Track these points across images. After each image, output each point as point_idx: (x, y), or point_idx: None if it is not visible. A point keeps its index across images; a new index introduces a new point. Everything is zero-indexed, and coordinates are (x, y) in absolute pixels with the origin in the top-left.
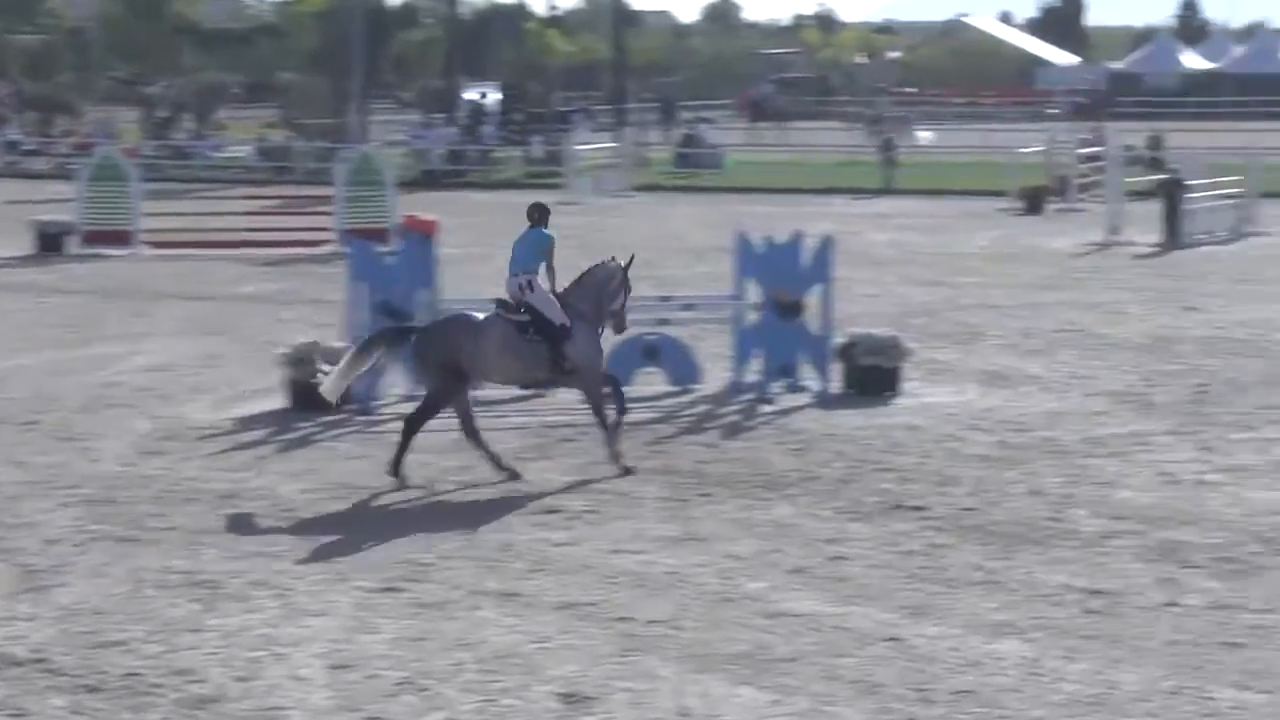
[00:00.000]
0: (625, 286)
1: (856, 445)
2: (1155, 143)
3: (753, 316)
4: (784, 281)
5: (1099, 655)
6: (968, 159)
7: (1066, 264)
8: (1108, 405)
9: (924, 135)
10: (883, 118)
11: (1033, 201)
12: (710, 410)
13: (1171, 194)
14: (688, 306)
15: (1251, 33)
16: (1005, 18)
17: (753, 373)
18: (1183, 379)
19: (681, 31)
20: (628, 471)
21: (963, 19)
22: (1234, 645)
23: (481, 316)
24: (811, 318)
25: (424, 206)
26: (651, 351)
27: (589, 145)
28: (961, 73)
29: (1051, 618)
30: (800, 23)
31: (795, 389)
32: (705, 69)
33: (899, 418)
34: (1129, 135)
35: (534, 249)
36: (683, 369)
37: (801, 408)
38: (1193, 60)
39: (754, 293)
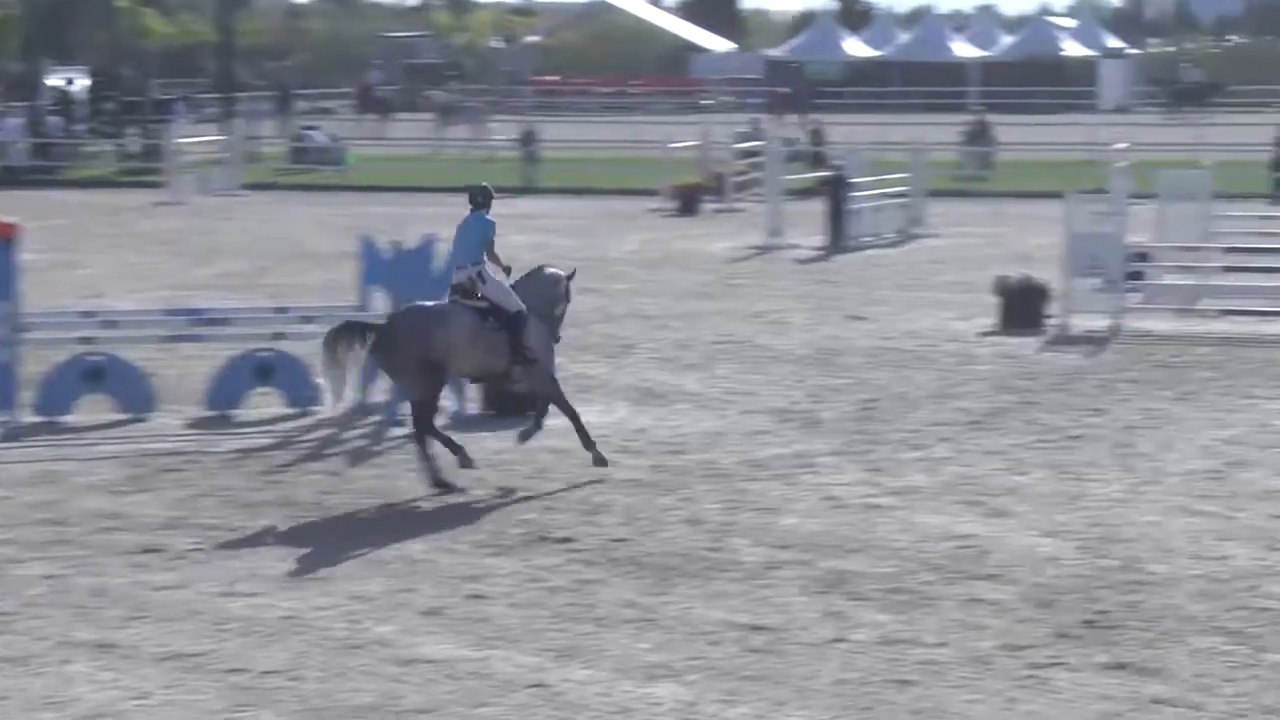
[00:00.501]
0: (568, 294)
1: (497, 471)
2: (817, 136)
3: None
4: (414, 291)
5: (762, 697)
6: (616, 155)
7: (724, 269)
8: (770, 424)
9: (493, 129)
10: (456, 108)
11: (687, 201)
12: (333, 435)
13: (835, 193)
14: (306, 319)
15: (917, 18)
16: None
17: (380, 393)
18: (849, 394)
19: (297, 11)
20: (603, 461)
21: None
22: (904, 683)
23: (439, 304)
24: None
25: (1, 207)
26: (265, 370)
27: (192, 138)
28: (607, 59)
29: (710, 657)
30: (429, 2)
31: None
32: (323, 53)
33: (543, 440)
34: (790, 128)
35: (476, 239)
36: (301, 389)
37: None
38: (856, 47)
39: (381, 303)
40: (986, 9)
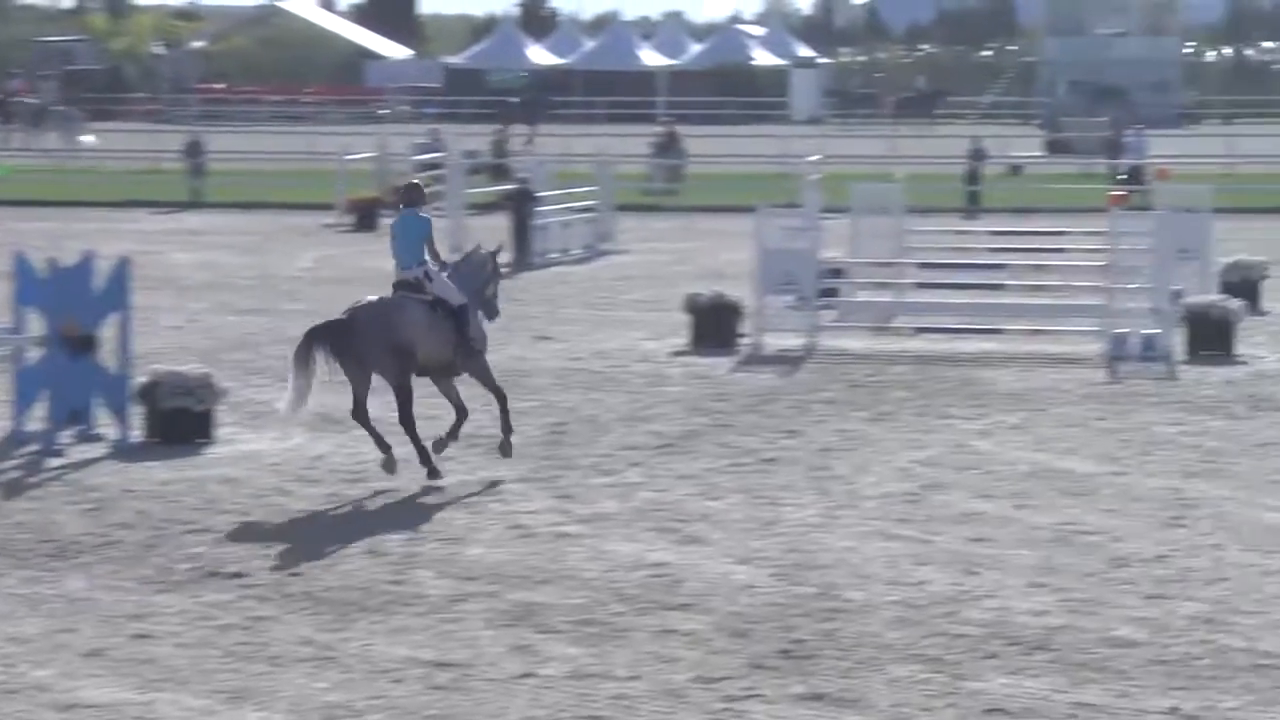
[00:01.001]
0: (497, 273)
1: (163, 503)
2: (500, 148)
3: (35, 353)
4: (72, 312)
5: None
6: (288, 167)
7: None
8: (454, 449)
9: (88, 139)
10: (43, 114)
11: (364, 215)
12: None
13: (520, 207)
14: None
15: (603, 25)
16: (327, 4)
17: (36, 420)
18: (537, 418)
19: None
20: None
21: (276, 3)
22: (595, 718)
23: (389, 297)
24: (107, 354)
25: None
26: None
27: None
28: (278, 66)
29: (392, 697)
30: (84, 5)
31: (89, 438)
32: None
33: (213, 469)
34: (471, 139)
35: (417, 238)
36: None
37: (97, 460)
38: (540, 55)
39: (37, 325)
40: (675, 16)
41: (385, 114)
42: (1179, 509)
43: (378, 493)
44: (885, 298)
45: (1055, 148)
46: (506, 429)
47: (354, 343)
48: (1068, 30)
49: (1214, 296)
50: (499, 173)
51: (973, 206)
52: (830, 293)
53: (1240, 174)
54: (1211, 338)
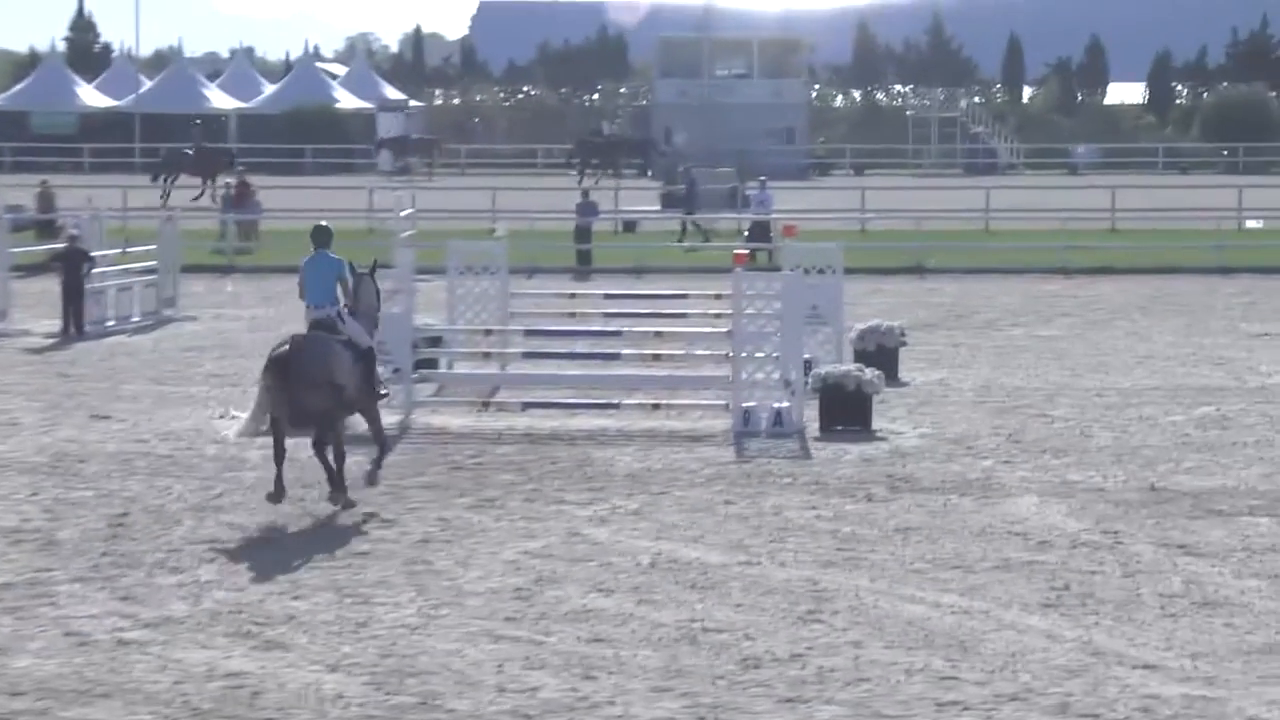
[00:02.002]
0: (379, 292)
1: None
2: (47, 201)
3: None
4: None
5: None
6: None
7: None
8: (2, 545)
9: None
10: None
11: None
12: None
13: (71, 268)
14: None
15: (163, 62)
16: None
17: None
18: (94, 508)
19: None
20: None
21: None
22: None
23: (317, 334)
24: None
25: None
26: None
27: None
28: None
29: None
30: None
31: None
32: None
33: None
34: (16, 191)
35: (330, 279)
36: None
37: None
38: (93, 95)
39: None
40: (245, 53)
41: None
42: (814, 602)
43: None
44: (488, 369)
45: (672, 201)
46: (379, 463)
47: (297, 375)
48: (682, 71)
49: (848, 366)
50: (46, 229)
51: (584, 266)
52: (427, 364)
53: (873, 230)
54: (846, 411)
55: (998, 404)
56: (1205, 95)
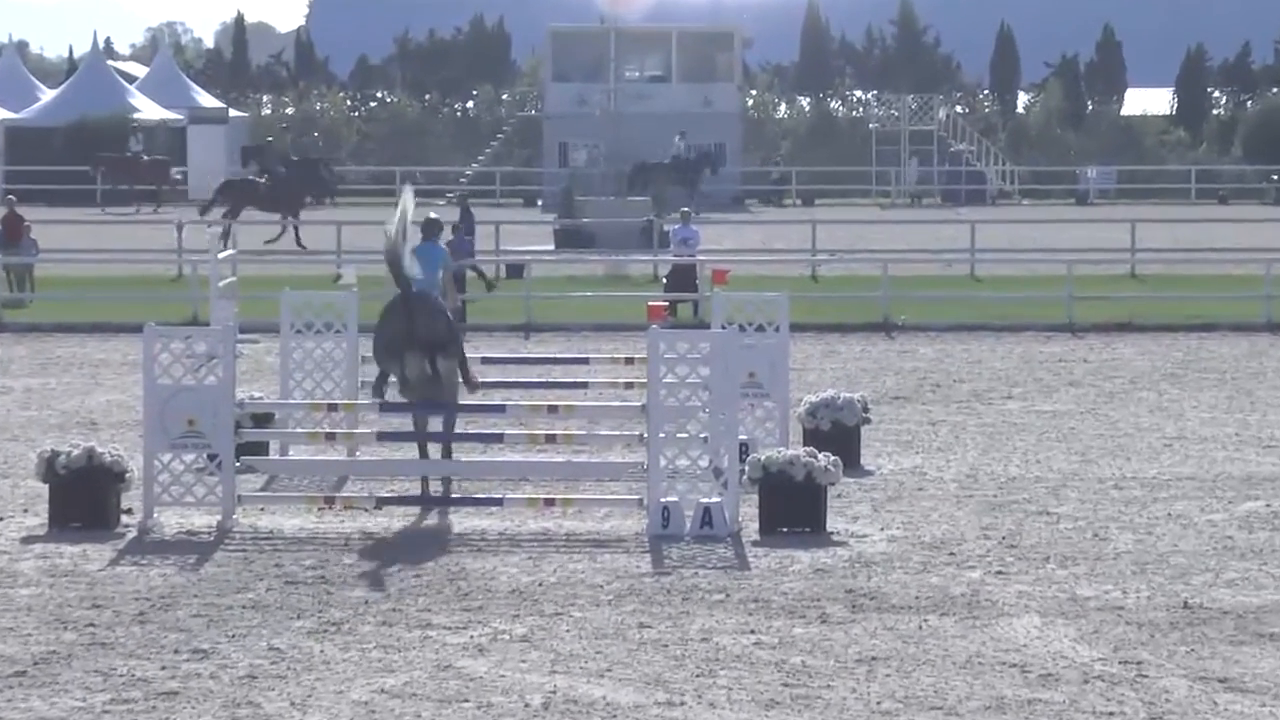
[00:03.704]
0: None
1: None
2: None
3: None
4: None
5: None
6: None
7: None
8: None
9: None
10: None
11: None
12: None
13: None
14: None
15: None
16: None
17: None
18: None
19: None
20: None
21: None
22: None
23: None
24: None
25: None
26: None
27: None
28: None
29: None
30: None
31: None
32: None
33: None
34: None
35: (435, 266)
36: None
37: None
38: None
39: None
40: (18, 48)
41: None
42: None
43: None
44: (334, 454)
45: (569, 240)
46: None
47: (421, 304)
48: (579, 73)
49: (796, 450)
50: None
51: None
52: (253, 448)
53: (827, 277)
54: (794, 508)
55: (988, 498)
56: (1249, 105)
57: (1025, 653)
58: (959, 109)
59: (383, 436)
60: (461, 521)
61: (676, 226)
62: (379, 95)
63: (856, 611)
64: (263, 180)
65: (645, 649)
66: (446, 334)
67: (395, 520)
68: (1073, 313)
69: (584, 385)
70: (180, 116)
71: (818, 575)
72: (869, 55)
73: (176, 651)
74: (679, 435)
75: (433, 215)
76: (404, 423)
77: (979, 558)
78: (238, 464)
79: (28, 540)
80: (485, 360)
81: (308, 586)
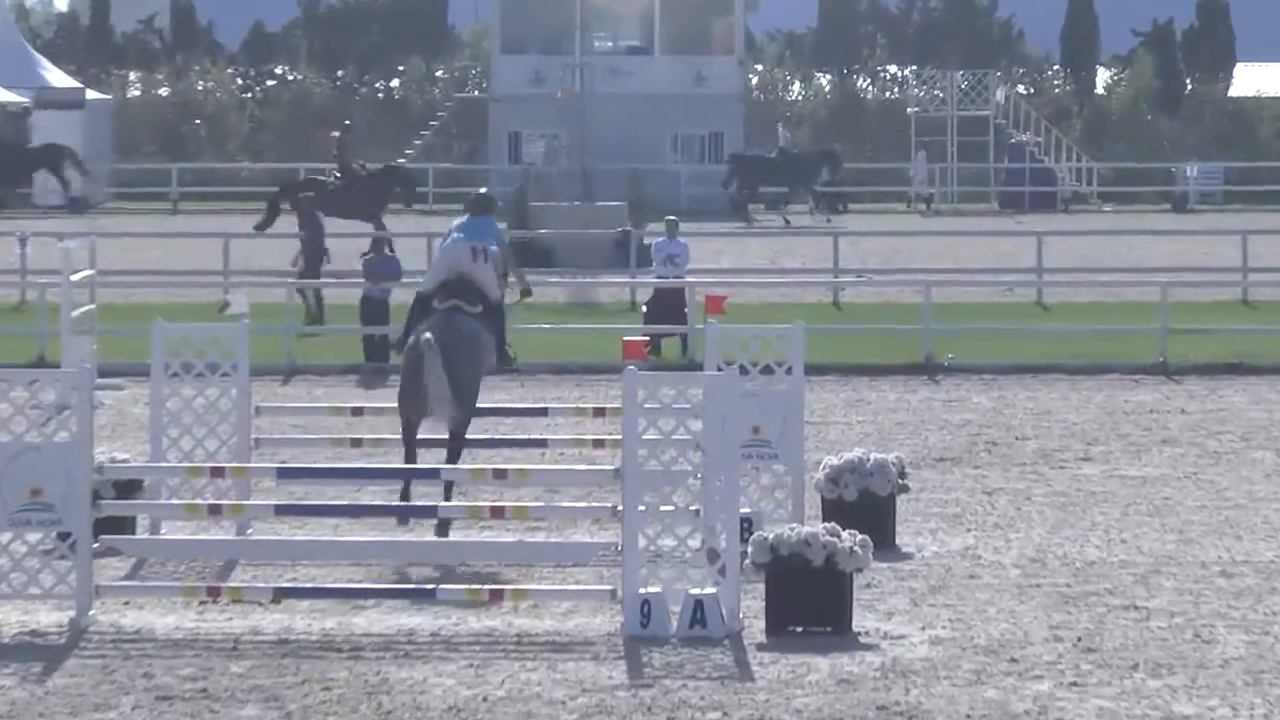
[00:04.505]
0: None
1: None
2: None
3: None
4: None
5: None
6: None
7: None
8: None
9: None
10: None
11: None
12: None
13: None
14: None
15: None
16: None
17: None
18: None
19: None
20: None
21: None
22: None
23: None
24: None
25: None
26: None
27: None
28: None
29: None
30: None
31: None
32: None
33: None
34: None
35: (489, 236)
36: None
37: None
38: None
39: None
40: None
41: None
42: None
43: None
44: (219, 532)
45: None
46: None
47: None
48: (537, 44)
49: (812, 527)
50: None
51: (375, 363)
52: (115, 525)
53: (852, 304)
54: (810, 602)
55: (1059, 589)
56: None
57: None
58: (1021, 89)
59: (282, 510)
60: (383, 620)
61: (660, 240)
62: (278, 72)
63: None
64: (334, 180)
65: None
66: (462, 390)
67: (298, 618)
68: (1167, 351)
69: (541, 443)
70: (24, 99)
71: (841, 688)
72: (907, 21)
73: None
74: (663, 508)
75: (483, 190)
76: (307, 492)
77: (1048, 665)
78: (96, 545)
79: None
80: None
81: (185, 703)
